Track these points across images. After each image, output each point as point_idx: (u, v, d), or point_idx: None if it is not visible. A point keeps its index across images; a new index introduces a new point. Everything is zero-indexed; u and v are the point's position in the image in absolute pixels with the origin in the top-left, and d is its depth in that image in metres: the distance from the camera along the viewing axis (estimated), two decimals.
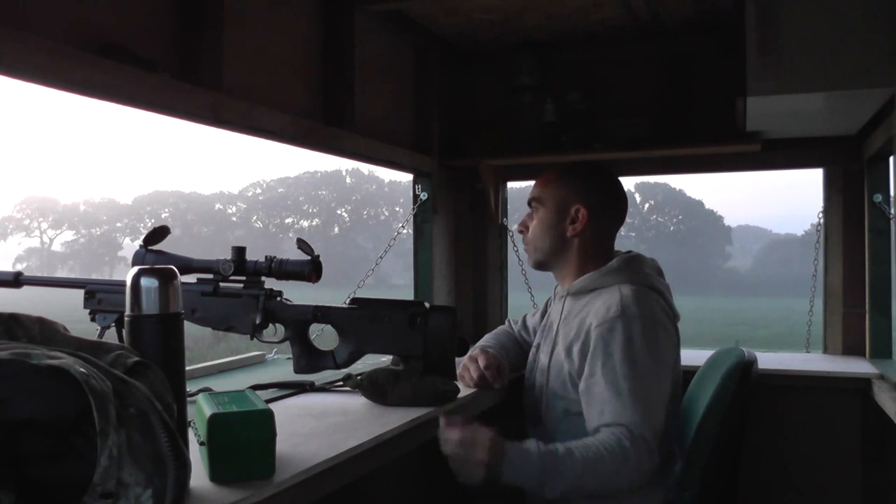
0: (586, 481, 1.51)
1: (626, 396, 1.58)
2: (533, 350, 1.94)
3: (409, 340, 1.71)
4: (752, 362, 1.75)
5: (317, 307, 1.73)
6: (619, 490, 1.56)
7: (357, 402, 1.68)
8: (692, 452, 1.70)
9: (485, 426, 1.53)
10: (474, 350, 1.94)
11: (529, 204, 1.89)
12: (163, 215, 59.50)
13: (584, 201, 1.81)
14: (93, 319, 1.67)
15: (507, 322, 2.19)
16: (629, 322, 1.64)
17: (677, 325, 1.77)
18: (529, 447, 1.53)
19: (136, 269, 1.07)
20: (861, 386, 2.18)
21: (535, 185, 1.90)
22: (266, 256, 1.71)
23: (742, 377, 1.70)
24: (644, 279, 1.76)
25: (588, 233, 1.82)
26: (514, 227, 1.91)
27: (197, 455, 1.10)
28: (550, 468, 1.49)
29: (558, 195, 1.83)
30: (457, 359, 1.76)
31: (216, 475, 1.07)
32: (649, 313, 1.67)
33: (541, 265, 1.90)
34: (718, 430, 1.68)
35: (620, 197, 1.88)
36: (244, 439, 1.08)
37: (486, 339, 2.07)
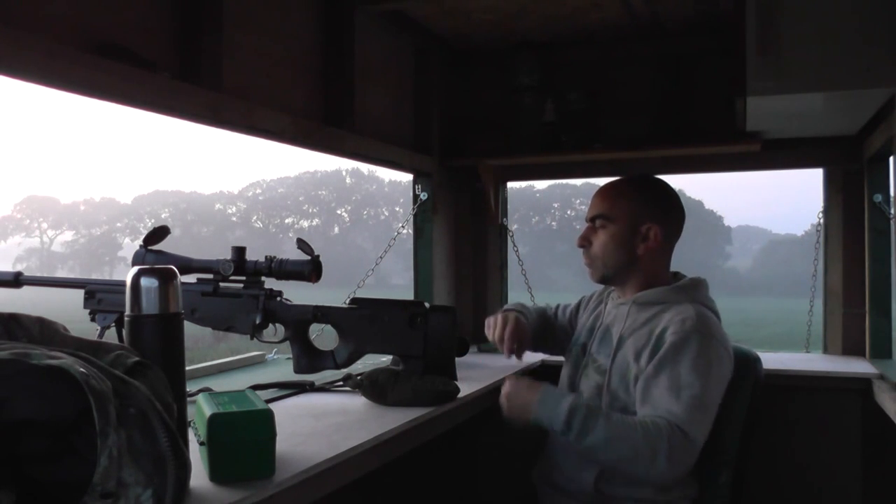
0: (614, 445, 1.58)
1: (684, 400, 1.61)
2: (577, 348, 1.93)
3: (409, 340, 1.71)
4: (758, 359, 1.83)
5: (317, 307, 1.73)
6: (642, 473, 1.58)
7: (357, 402, 1.68)
8: (722, 443, 1.75)
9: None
10: (510, 312, 1.94)
11: (593, 220, 1.86)
12: (163, 215, 59.48)
13: (655, 219, 1.82)
14: (93, 319, 1.67)
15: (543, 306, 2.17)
16: (704, 339, 1.68)
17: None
18: (564, 395, 1.68)
19: (136, 269, 1.07)
20: (861, 386, 2.18)
21: (601, 199, 1.86)
22: (266, 256, 1.71)
23: (756, 376, 1.80)
24: (709, 303, 1.81)
25: (657, 249, 1.83)
26: (574, 240, 1.88)
27: (197, 455, 1.10)
28: (579, 418, 1.60)
29: (629, 212, 1.83)
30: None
31: (216, 475, 1.07)
32: (720, 336, 1.72)
33: (606, 280, 1.88)
34: (743, 425, 1.77)
35: (682, 213, 1.90)
36: (244, 439, 1.08)
37: (525, 309, 2.05)
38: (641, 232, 1.82)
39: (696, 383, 1.62)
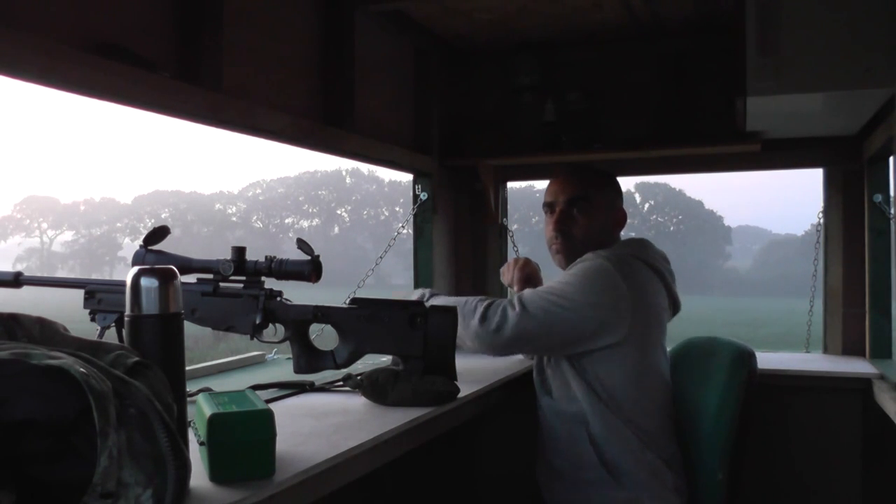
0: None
1: (538, 290, 1.78)
2: None
3: (409, 340, 1.71)
4: (752, 354, 1.85)
5: (317, 307, 1.73)
6: (461, 330, 1.73)
7: (357, 402, 1.68)
8: (712, 437, 1.78)
9: None
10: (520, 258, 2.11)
11: (573, 201, 1.89)
12: (163, 215, 59.46)
13: (621, 202, 1.95)
14: (93, 319, 1.66)
15: None
16: (593, 261, 1.78)
17: (652, 300, 1.82)
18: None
19: (136, 269, 1.07)
20: (861, 386, 2.18)
21: (578, 183, 1.91)
22: (266, 256, 1.71)
23: (749, 368, 1.81)
24: (641, 254, 1.84)
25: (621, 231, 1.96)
26: (547, 225, 1.97)
27: (197, 455, 1.10)
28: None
29: (607, 197, 1.91)
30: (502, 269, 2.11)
31: (216, 475, 1.07)
32: (615, 264, 1.77)
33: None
34: (733, 417, 1.78)
35: None
36: (244, 439, 1.08)
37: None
38: (616, 217, 1.92)
39: (556, 284, 1.76)
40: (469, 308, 1.74)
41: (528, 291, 1.77)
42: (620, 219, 1.94)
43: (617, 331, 1.74)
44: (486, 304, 1.74)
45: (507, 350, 1.82)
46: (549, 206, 1.92)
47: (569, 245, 1.88)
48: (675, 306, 1.89)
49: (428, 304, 1.70)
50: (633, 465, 1.74)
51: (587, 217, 1.87)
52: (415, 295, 1.84)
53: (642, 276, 1.78)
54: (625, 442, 1.74)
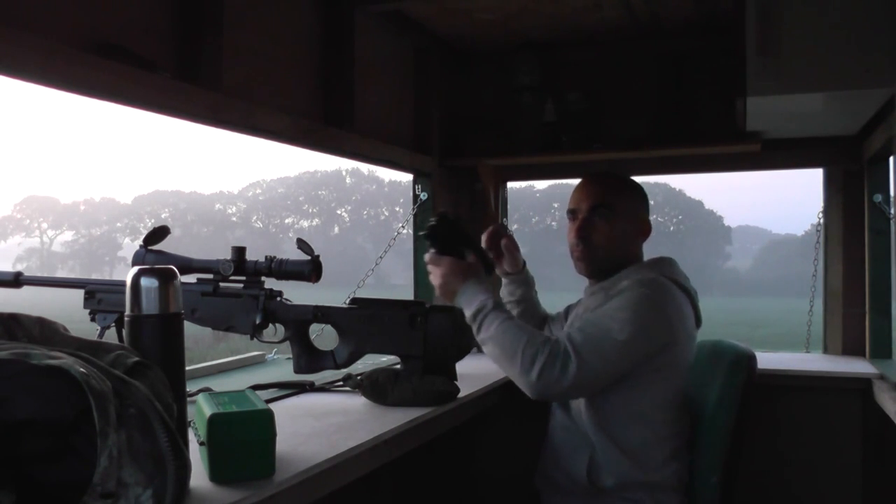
0: (500, 342, 1.64)
1: (587, 331, 1.66)
2: None
3: (409, 340, 1.71)
4: (752, 357, 1.82)
5: (317, 307, 1.73)
6: (515, 376, 1.64)
7: (357, 402, 1.68)
8: (708, 441, 1.77)
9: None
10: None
11: (596, 209, 1.84)
12: (163, 215, 59.43)
13: (647, 213, 1.91)
14: (93, 319, 1.66)
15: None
16: (635, 289, 1.71)
17: (687, 324, 1.79)
18: (482, 291, 1.72)
19: (136, 269, 1.07)
20: (861, 386, 2.18)
21: (602, 190, 1.86)
22: (266, 256, 1.71)
23: (748, 371, 1.79)
24: (674, 276, 1.81)
25: (644, 242, 1.91)
26: (568, 233, 1.91)
27: (197, 455, 1.10)
28: (483, 314, 1.69)
29: (631, 205, 1.87)
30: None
31: (216, 475, 1.07)
32: (658, 292, 1.73)
33: (603, 273, 1.87)
34: (733, 422, 1.76)
35: None
36: (244, 439, 1.08)
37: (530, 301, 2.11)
38: (640, 227, 1.88)
39: (604, 318, 1.67)
40: (527, 358, 1.61)
41: (579, 336, 1.64)
42: (645, 228, 1.90)
43: (660, 360, 1.72)
44: (543, 358, 1.60)
45: (557, 400, 1.79)
46: (571, 213, 1.90)
47: (590, 252, 1.85)
48: (699, 323, 1.87)
49: (484, 322, 1.68)
50: (631, 491, 1.74)
51: (609, 225, 1.84)
52: (473, 304, 1.71)
53: (679, 300, 1.76)
54: (626, 473, 1.73)
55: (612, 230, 1.83)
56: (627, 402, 1.72)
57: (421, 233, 1.87)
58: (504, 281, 2.08)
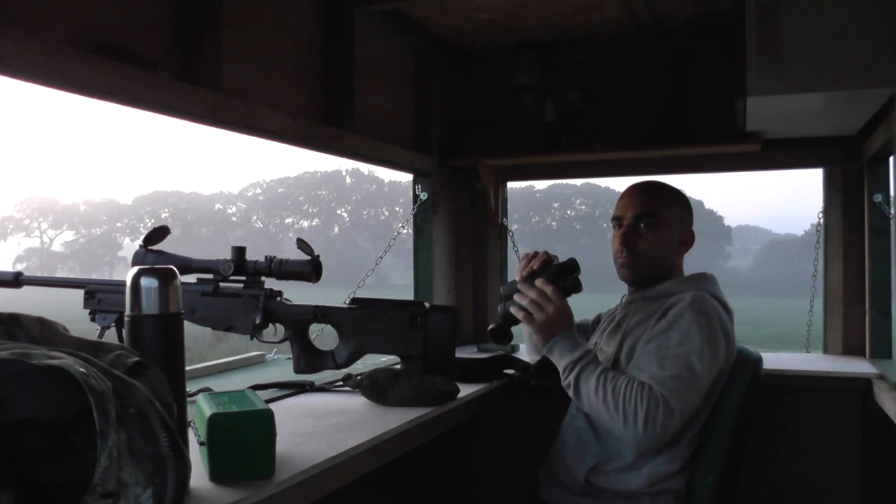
0: (601, 398, 1.64)
1: (668, 370, 1.65)
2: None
3: (409, 340, 1.71)
4: (759, 360, 1.84)
5: (317, 307, 1.73)
6: (620, 432, 1.63)
7: (357, 402, 1.68)
8: (710, 442, 1.76)
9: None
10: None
11: (637, 219, 1.86)
12: (163, 215, 59.45)
13: (691, 224, 1.93)
14: (93, 319, 1.66)
15: None
16: (699, 316, 1.72)
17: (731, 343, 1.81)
18: (580, 343, 1.73)
19: (136, 269, 1.07)
20: (861, 386, 2.18)
21: (647, 200, 1.87)
22: (266, 256, 1.71)
23: (753, 374, 1.80)
24: (716, 293, 1.84)
25: (685, 253, 1.92)
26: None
27: (197, 455, 1.10)
28: (580, 366, 1.69)
29: (676, 215, 1.89)
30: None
31: (216, 475, 1.07)
32: (718, 319, 1.74)
33: (645, 281, 1.88)
34: (733, 424, 1.76)
35: None
36: (244, 439, 1.08)
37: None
38: (684, 237, 1.90)
39: (683, 355, 1.66)
40: (629, 411, 1.60)
41: (669, 381, 1.63)
42: (688, 238, 1.91)
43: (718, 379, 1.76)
44: (644, 410, 1.60)
45: (661, 445, 1.72)
46: (616, 220, 1.91)
47: (634, 260, 1.87)
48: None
49: (583, 372, 1.67)
50: (631, 492, 1.75)
51: (654, 234, 1.86)
52: (575, 352, 1.70)
53: (724, 318, 1.78)
54: (629, 481, 1.74)
55: (656, 239, 1.85)
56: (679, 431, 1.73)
57: (556, 261, 1.81)
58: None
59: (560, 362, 1.72)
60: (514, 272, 1.89)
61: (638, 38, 2.61)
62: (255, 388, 1.73)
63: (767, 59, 1.87)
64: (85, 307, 1.67)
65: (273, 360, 2.33)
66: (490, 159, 2.70)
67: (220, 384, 1.84)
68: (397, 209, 56.72)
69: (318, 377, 1.81)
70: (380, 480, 2.07)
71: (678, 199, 1.92)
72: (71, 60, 1.34)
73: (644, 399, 1.60)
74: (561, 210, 60.02)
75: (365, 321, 1.72)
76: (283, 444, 1.15)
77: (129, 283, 1.06)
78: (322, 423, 1.47)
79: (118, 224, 62.51)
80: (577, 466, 1.79)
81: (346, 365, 1.74)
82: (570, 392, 1.71)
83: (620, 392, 1.62)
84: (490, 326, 1.86)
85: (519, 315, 1.77)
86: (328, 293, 2.99)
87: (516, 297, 1.78)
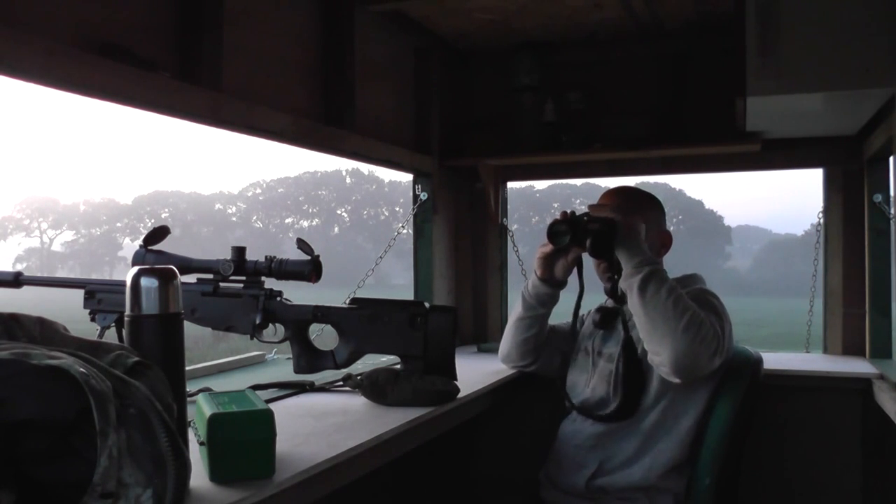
0: (672, 297, 1.65)
1: (721, 316, 1.73)
2: (582, 352, 1.95)
3: (409, 340, 1.71)
4: (759, 360, 1.84)
5: (317, 307, 1.73)
6: (671, 332, 1.62)
7: (357, 402, 1.68)
8: (710, 442, 1.77)
9: None
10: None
11: None
12: (163, 215, 59.43)
13: (665, 226, 1.93)
14: (93, 319, 1.66)
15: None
16: (706, 292, 1.79)
17: None
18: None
19: (136, 269, 1.07)
20: (861, 386, 2.18)
21: (624, 204, 1.85)
22: (266, 256, 1.71)
23: (753, 375, 1.80)
24: (703, 287, 1.87)
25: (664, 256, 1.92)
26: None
27: (197, 455, 1.10)
28: (659, 267, 1.71)
29: (654, 217, 1.89)
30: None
31: (216, 475, 1.07)
32: (719, 302, 1.79)
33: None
34: (733, 425, 1.76)
35: None
36: (244, 439, 1.08)
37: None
38: (663, 239, 1.90)
39: (721, 312, 1.73)
40: (691, 329, 1.61)
41: (718, 321, 1.70)
42: (666, 240, 1.91)
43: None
44: (703, 331, 1.63)
45: (699, 373, 1.70)
46: None
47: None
48: None
49: (653, 280, 1.68)
50: (630, 492, 1.75)
51: None
52: (652, 261, 1.71)
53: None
54: (630, 483, 1.74)
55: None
56: (677, 418, 1.76)
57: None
58: (542, 286, 1.99)
59: (634, 256, 1.71)
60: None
61: (638, 39, 2.61)
62: (255, 388, 1.73)
63: (767, 59, 1.87)
64: (85, 307, 1.67)
65: (273, 360, 2.33)
66: (490, 159, 2.70)
67: (220, 384, 1.84)
68: (397, 209, 56.71)
69: (318, 377, 1.81)
70: (380, 480, 2.08)
71: (653, 202, 1.92)
72: (71, 60, 1.34)
73: (711, 326, 1.64)
74: (561, 210, 59.95)
75: (365, 321, 1.72)
76: (283, 444, 1.15)
77: (129, 283, 1.06)
78: (322, 423, 1.47)
79: (118, 224, 62.50)
80: (579, 471, 1.79)
81: (346, 365, 1.74)
82: (636, 283, 1.68)
83: (691, 306, 1.64)
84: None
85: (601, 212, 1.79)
86: (328, 293, 2.99)
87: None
